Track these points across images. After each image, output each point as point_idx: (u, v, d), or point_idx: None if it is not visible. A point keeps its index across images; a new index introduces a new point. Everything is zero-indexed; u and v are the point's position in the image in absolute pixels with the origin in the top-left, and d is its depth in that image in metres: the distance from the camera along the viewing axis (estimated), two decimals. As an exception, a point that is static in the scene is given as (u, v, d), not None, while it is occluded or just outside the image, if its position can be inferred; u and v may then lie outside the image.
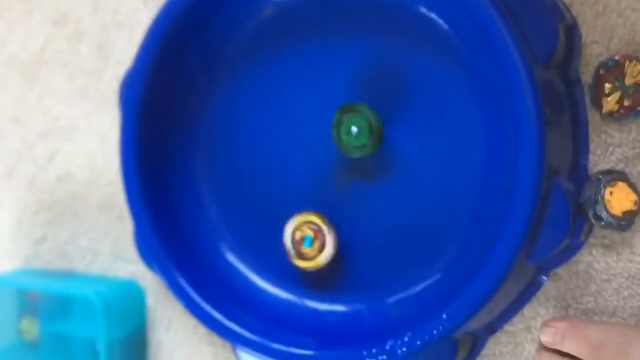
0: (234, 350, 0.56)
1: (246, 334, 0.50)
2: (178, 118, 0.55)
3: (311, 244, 0.49)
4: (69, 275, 0.63)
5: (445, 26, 0.48)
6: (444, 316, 0.44)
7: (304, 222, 0.49)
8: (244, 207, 0.54)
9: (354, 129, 0.47)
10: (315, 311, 0.52)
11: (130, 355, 0.59)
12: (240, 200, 0.54)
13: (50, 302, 0.61)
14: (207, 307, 0.52)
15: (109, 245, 0.63)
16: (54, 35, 0.65)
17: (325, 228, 0.49)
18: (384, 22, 0.49)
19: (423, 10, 0.48)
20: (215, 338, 0.59)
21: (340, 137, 0.48)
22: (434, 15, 0.48)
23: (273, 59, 0.53)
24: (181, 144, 0.55)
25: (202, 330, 0.60)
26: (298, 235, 0.49)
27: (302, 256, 0.49)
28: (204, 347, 0.60)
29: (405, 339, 0.45)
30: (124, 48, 0.62)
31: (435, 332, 0.44)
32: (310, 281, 0.53)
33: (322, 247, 0.49)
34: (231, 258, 0.55)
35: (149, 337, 0.62)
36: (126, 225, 0.62)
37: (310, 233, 0.49)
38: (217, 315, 0.51)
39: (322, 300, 0.52)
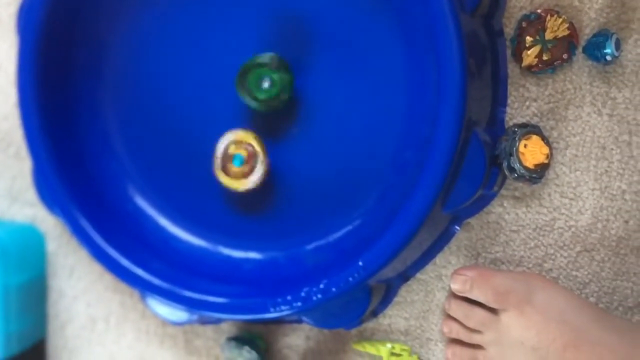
0: (142, 298, 0.54)
1: (155, 280, 0.49)
2: (83, 47, 0.51)
3: (241, 164, 0.47)
4: (-42, 218, 0.59)
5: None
6: (360, 263, 0.44)
7: (243, 141, 0.47)
8: (155, 147, 0.52)
9: (266, 83, 0.46)
10: (229, 258, 0.51)
11: (28, 303, 0.56)
12: (150, 140, 0.52)
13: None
14: (113, 253, 0.49)
15: (4, 186, 0.59)
16: (-61, -50, 0.58)
17: (261, 155, 0.47)
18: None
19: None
20: (122, 286, 0.57)
21: (246, 90, 0.46)
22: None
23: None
24: (86, 76, 0.51)
25: (108, 277, 0.58)
26: (232, 150, 0.47)
27: (227, 172, 0.48)
28: (110, 295, 0.58)
29: (321, 285, 0.45)
30: (23, -31, 0.57)
31: (350, 279, 0.44)
32: (224, 228, 0.52)
33: (250, 172, 0.47)
34: (140, 202, 0.53)
35: (49, 284, 0.59)
36: (24, 164, 0.58)
37: (244, 153, 0.47)
38: (123, 261, 0.49)
39: (236, 247, 0.51)
